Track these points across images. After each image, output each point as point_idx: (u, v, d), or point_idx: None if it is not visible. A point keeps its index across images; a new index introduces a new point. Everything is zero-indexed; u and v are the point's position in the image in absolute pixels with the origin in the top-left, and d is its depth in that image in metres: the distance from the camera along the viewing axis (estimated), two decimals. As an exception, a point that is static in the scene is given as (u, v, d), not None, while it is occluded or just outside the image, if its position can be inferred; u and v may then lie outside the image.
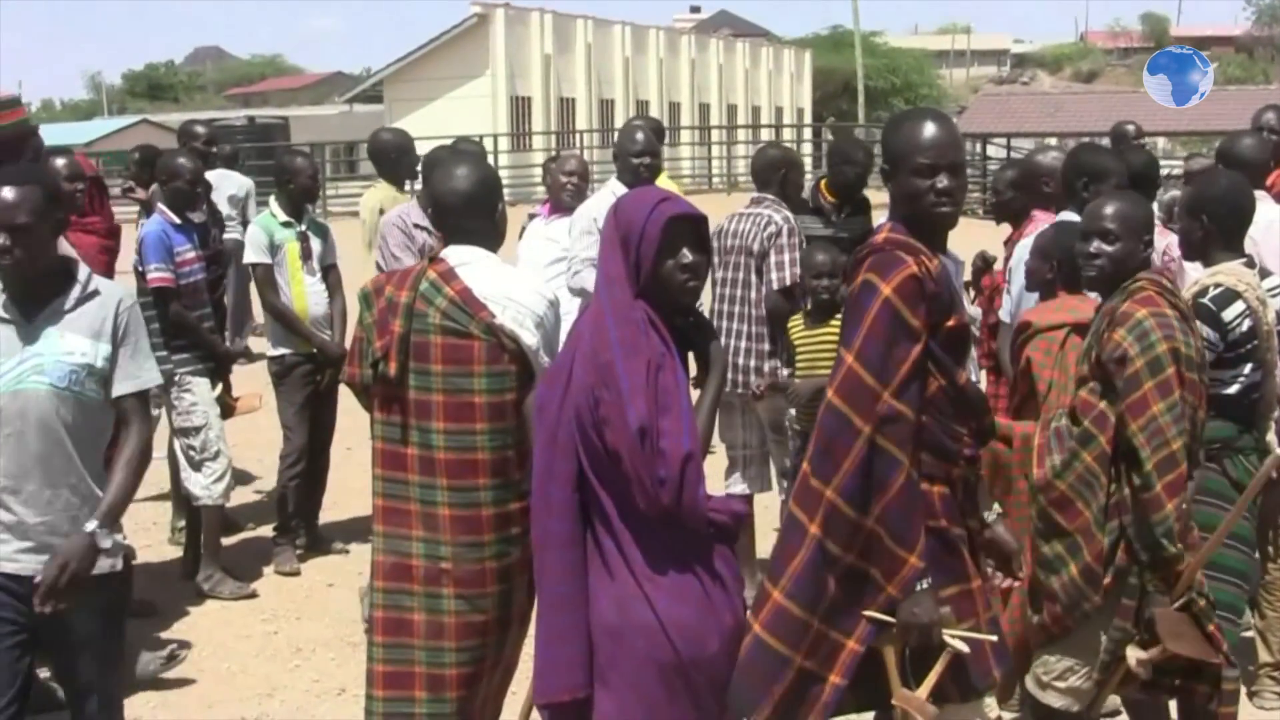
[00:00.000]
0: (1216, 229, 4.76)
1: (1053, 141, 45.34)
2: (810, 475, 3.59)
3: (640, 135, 7.17)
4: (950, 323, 3.69)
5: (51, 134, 56.29)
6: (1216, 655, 4.12)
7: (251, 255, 7.62)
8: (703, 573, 3.56)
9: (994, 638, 3.81)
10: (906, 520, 3.57)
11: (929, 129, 3.71)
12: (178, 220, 7.24)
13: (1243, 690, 5.66)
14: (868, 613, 3.60)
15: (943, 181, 3.68)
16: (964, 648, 3.65)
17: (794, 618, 3.60)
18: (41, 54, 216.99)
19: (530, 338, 4.13)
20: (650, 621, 3.52)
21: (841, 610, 3.61)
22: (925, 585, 3.59)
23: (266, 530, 8.09)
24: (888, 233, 3.72)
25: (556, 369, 3.76)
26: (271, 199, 7.88)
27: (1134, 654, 4.15)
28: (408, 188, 8.32)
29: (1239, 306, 4.58)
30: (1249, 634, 6.04)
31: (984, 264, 7.30)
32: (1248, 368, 4.65)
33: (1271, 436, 4.77)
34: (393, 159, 8.06)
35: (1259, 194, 5.79)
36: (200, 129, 8.52)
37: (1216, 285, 4.64)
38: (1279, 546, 5.74)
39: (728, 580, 3.62)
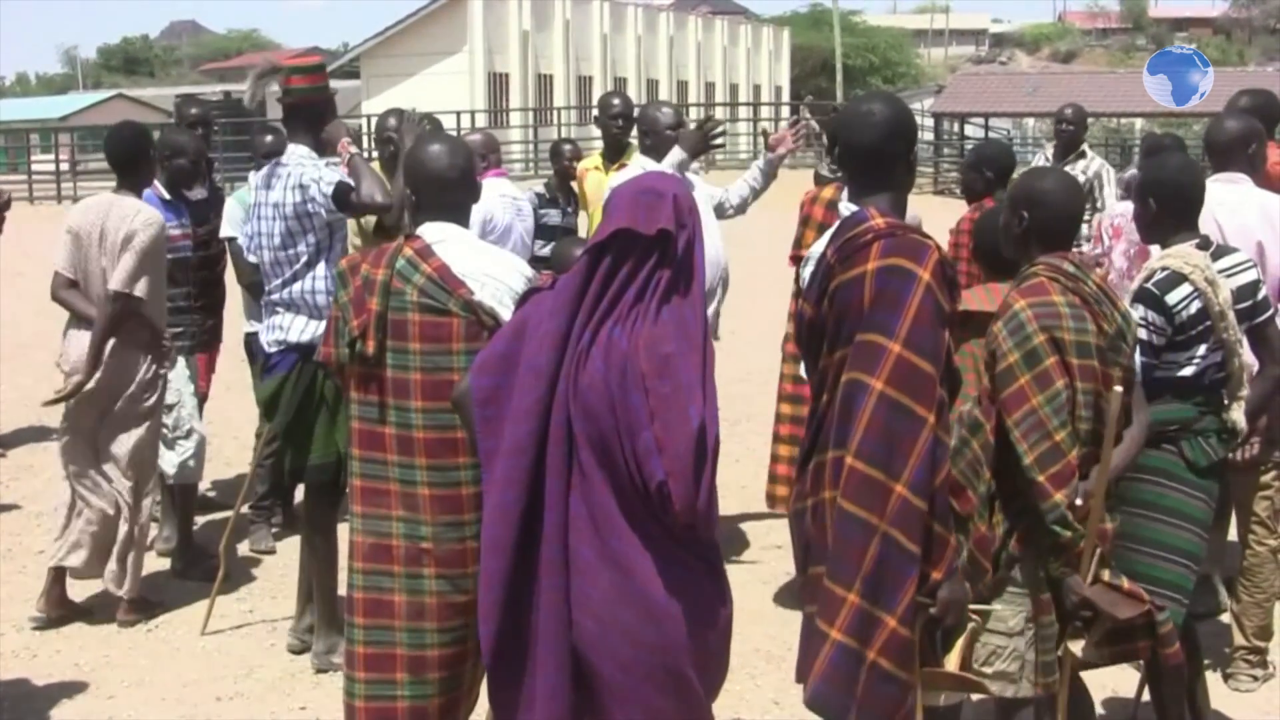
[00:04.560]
0: (1164, 211, 4.75)
1: (1030, 122, 45.55)
2: (870, 469, 3.50)
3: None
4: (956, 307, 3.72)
5: (26, 108, 55.90)
6: (1146, 604, 4.12)
7: (228, 230, 7.56)
8: (697, 567, 3.48)
9: (998, 607, 3.94)
10: (947, 502, 3.59)
11: None
12: (168, 196, 7.18)
13: (1218, 673, 5.73)
14: (921, 598, 3.56)
15: None
16: (982, 621, 3.71)
17: (867, 614, 3.53)
18: (15, 27, 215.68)
19: (509, 315, 4.08)
20: (642, 625, 3.42)
21: (912, 608, 3.55)
22: (956, 564, 3.62)
23: (242, 509, 8.05)
24: (882, 216, 3.67)
25: (535, 369, 3.51)
26: (250, 175, 7.81)
27: (1075, 646, 4.14)
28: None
29: (1185, 289, 4.57)
30: (1224, 617, 6.08)
31: None
32: (1202, 349, 4.64)
33: (1239, 415, 4.76)
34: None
35: (1235, 176, 5.78)
36: (195, 111, 8.37)
37: (1163, 269, 4.63)
38: (1256, 535, 5.75)
39: (719, 573, 3.57)
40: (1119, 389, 4.00)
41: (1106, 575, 4.11)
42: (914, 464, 3.48)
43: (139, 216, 6.37)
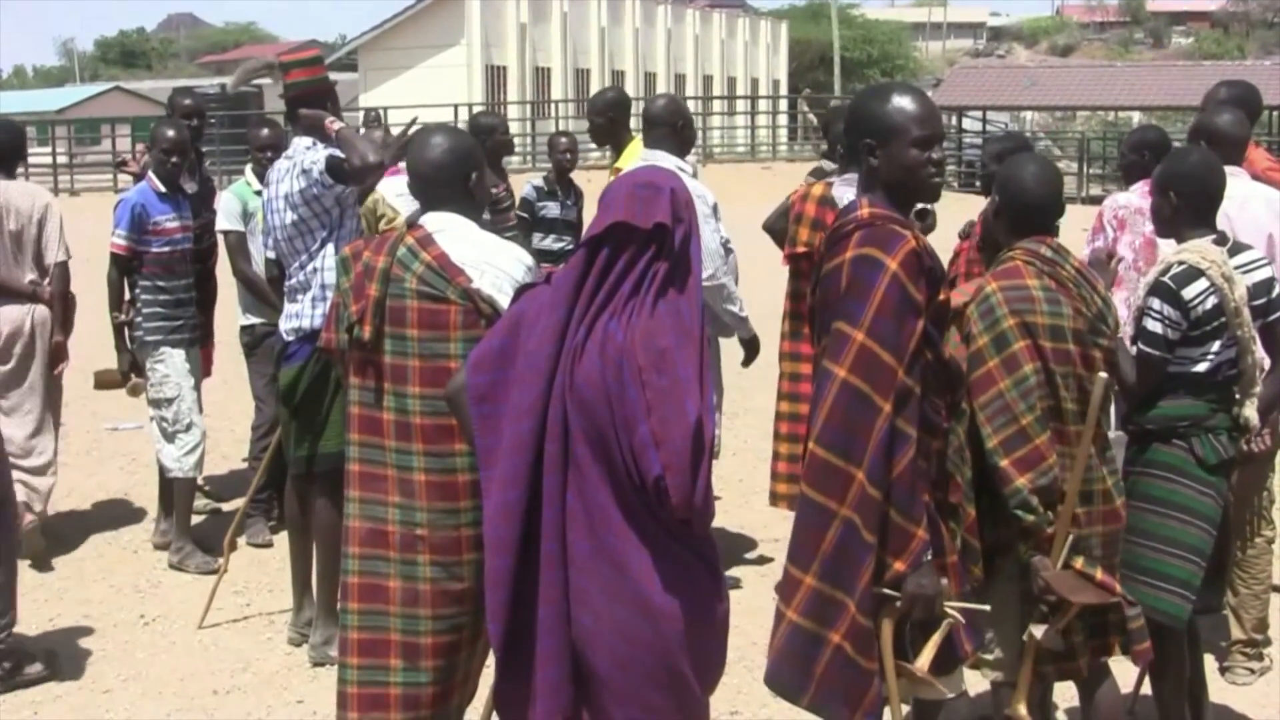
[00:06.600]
0: (1185, 205, 4.73)
1: (1028, 115, 45.56)
2: (830, 456, 3.54)
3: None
4: (940, 297, 3.71)
5: (23, 101, 55.79)
6: (1115, 595, 4.14)
7: (224, 222, 7.55)
8: (693, 564, 3.46)
9: (987, 608, 3.87)
10: (913, 495, 3.57)
11: (923, 102, 3.75)
12: (163, 189, 7.18)
13: (1215, 665, 5.73)
14: (879, 589, 3.57)
15: (937, 153, 3.74)
16: (961, 619, 3.68)
17: (827, 598, 3.57)
18: (13, 20, 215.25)
19: (508, 303, 4.08)
20: (637, 622, 3.40)
21: (870, 594, 3.57)
22: (928, 558, 3.61)
23: (239, 502, 8.05)
24: (869, 206, 3.68)
25: (535, 365, 3.47)
26: (247, 168, 7.81)
27: (1037, 629, 4.13)
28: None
29: (1201, 284, 4.55)
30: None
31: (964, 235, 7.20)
32: (1216, 345, 4.62)
33: (1251, 412, 4.75)
34: None
35: (1235, 170, 5.77)
36: (188, 102, 8.32)
37: (1180, 263, 4.61)
38: (1255, 527, 5.75)
39: (715, 569, 3.56)
40: (1103, 375, 4.02)
41: (1080, 564, 4.10)
42: (870, 452, 3.51)
43: (39, 194, 7.16)
